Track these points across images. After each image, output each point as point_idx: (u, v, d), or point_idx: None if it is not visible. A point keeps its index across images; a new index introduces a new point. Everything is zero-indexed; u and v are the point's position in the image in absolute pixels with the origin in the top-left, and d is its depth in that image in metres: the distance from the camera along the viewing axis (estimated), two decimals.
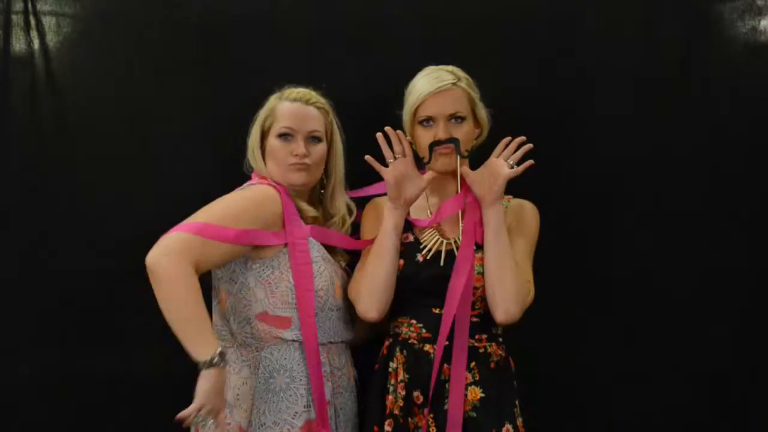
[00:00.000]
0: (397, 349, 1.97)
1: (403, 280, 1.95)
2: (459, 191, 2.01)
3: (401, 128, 2.00)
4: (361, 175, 2.09)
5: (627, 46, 2.34)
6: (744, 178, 2.33)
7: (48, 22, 2.37)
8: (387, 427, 1.92)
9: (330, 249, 2.02)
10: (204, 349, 1.71)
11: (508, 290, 1.88)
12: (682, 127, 2.33)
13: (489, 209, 1.93)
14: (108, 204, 2.33)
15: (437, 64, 2.02)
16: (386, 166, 1.94)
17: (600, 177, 2.33)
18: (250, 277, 1.90)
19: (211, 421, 1.71)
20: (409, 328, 1.97)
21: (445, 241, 1.99)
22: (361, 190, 2.14)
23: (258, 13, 2.34)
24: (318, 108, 2.01)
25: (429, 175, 1.98)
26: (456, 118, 1.96)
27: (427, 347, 1.94)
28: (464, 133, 1.96)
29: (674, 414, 2.32)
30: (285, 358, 1.89)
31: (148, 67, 2.35)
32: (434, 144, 1.94)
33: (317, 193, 2.07)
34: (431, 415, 1.90)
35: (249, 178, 2.03)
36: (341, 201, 2.06)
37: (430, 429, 1.90)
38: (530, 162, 1.91)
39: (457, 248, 1.96)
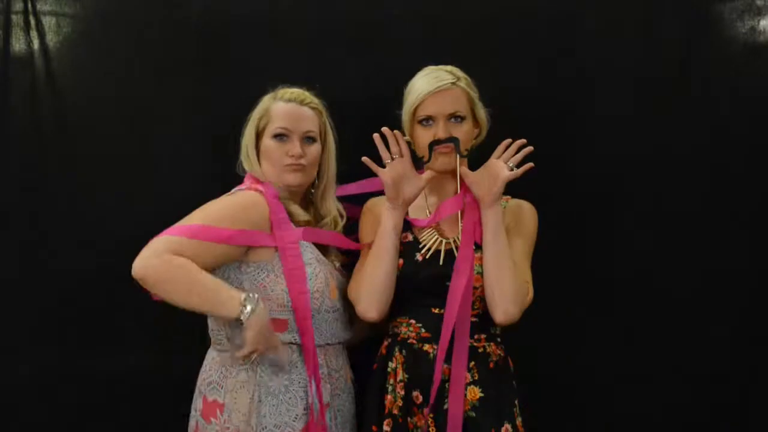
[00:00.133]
0: (396, 349, 1.97)
1: (402, 279, 1.95)
2: (458, 191, 2.01)
3: (400, 128, 2.00)
4: (361, 176, 2.09)
5: (627, 46, 2.34)
6: (744, 178, 2.33)
7: (48, 22, 2.37)
8: (386, 427, 1.92)
9: (324, 250, 2.02)
10: (231, 307, 1.76)
11: (507, 291, 1.88)
12: (682, 127, 2.32)
13: (488, 210, 1.93)
14: (108, 204, 2.33)
15: (437, 64, 2.02)
16: (384, 166, 1.94)
17: (600, 177, 2.33)
18: (244, 281, 1.89)
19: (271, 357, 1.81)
20: (408, 328, 1.97)
21: (444, 241, 1.99)
22: (348, 186, 2.14)
23: (258, 13, 2.34)
24: (312, 108, 2.01)
25: (428, 174, 1.98)
26: (455, 117, 1.96)
27: (427, 347, 1.94)
28: (464, 132, 1.96)
29: (674, 414, 2.32)
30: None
31: (148, 67, 2.36)
32: (434, 143, 1.94)
33: (309, 194, 2.07)
34: (431, 415, 1.90)
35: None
36: (332, 202, 2.06)
37: (430, 429, 1.90)
38: (530, 165, 1.91)
39: (457, 248, 1.96)
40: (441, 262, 1.96)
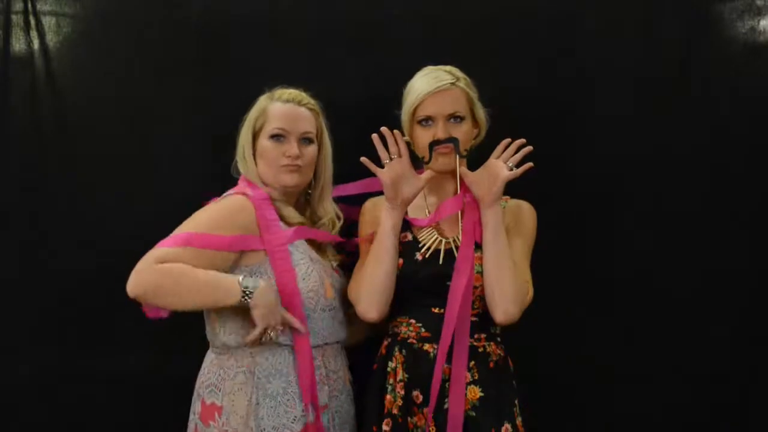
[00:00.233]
0: (396, 349, 1.97)
1: (402, 279, 1.95)
2: (458, 191, 2.01)
3: (400, 128, 2.00)
4: (361, 176, 2.09)
5: (627, 46, 2.34)
6: (744, 178, 2.33)
7: (48, 22, 2.37)
8: (385, 427, 1.92)
9: (320, 249, 2.02)
10: (233, 293, 1.79)
11: (507, 290, 1.88)
12: (682, 127, 2.32)
13: (487, 210, 1.93)
14: (108, 204, 2.33)
15: (437, 64, 2.02)
16: (383, 167, 1.94)
17: (600, 177, 2.33)
18: None
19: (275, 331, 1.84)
20: (408, 328, 1.97)
21: (444, 240, 1.99)
22: (347, 186, 2.14)
23: (258, 13, 2.34)
24: (309, 109, 2.01)
25: (427, 174, 1.98)
26: (455, 117, 1.96)
27: (427, 346, 1.94)
28: (463, 132, 1.97)
29: (674, 414, 2.32)
30: (280, 363, 1.88)
31: (148, 67, 2.36)
32: (434, 143, 1.94)
33: (305, 196, 2.07)
34: (432, 426, 1.90)
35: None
36: (329, 204, 2.06)
37: (430, 429, 1.90)
38: (529, 164, 1.91)
39: (456, 247, 1.96)
40: (441, 262, 1.96)
